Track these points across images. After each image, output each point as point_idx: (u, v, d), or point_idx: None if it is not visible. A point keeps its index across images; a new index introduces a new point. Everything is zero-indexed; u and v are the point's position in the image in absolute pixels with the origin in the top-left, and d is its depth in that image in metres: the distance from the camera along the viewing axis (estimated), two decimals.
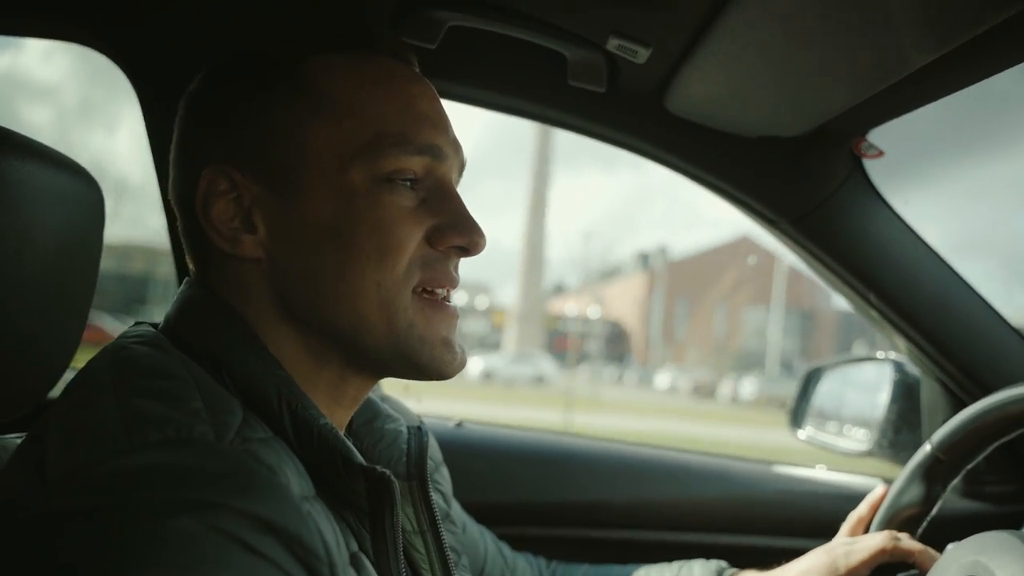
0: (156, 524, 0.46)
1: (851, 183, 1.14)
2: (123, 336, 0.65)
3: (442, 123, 0.71)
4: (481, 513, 1.09)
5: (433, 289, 0.69)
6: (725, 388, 27.09)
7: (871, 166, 1.17)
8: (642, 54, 0.95)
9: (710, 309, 41.92)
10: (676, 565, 1.09)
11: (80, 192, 0.71)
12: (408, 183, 0.67)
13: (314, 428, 0.62)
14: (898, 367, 1.37)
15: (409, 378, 0.70)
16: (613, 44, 0.95)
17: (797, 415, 1.54)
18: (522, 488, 1.34)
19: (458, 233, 0.68)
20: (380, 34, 0.71)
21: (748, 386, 26.23)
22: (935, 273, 1.18)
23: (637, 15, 0.90)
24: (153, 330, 0.67)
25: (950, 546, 0.87)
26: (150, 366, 0.60)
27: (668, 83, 1.03)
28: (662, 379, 29.43)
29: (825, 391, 1.54)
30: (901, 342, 1.24)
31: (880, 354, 1.43)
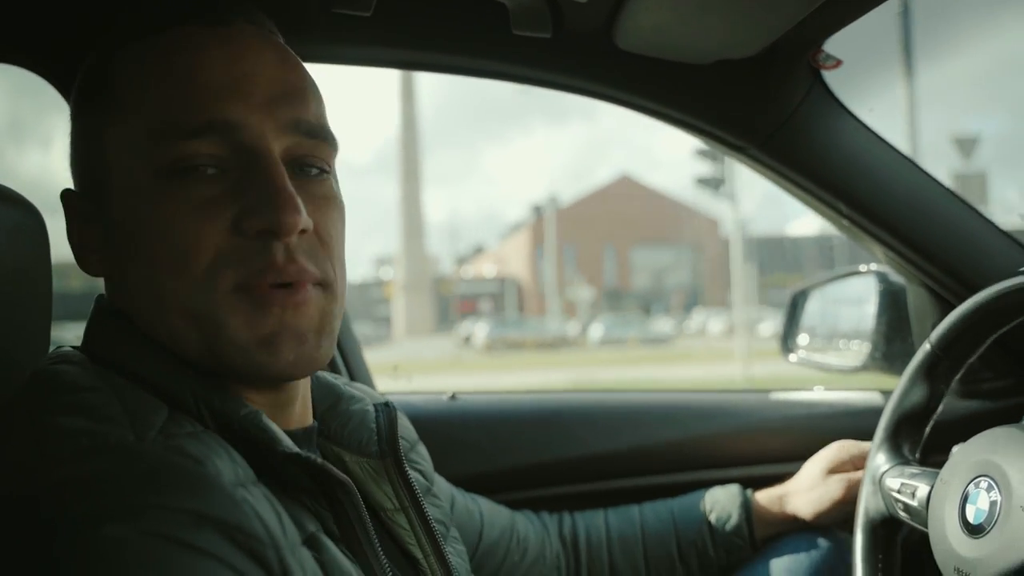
0: (81, 538, 0.44)
1: (813, 97, 1.12)
2: (42, 361, 0.63)
3: (238, 88, 0.60)
4: (486, 481, 1.08)
5: (258, 283, 0.59)
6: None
7: (832, 78, 1.14)
8: None
9: (598, 253, 41.88)
10: (698, 496, 1.13)
11: (19, 221, 0.70)
12: (209, 170, 0.59)
13: (234, 420, 0.59)
14: (882, 277, 1.36)
15: (252, 385, 0.63)
16: None
17: (787, 339, 1.53)
18: (524, 451, 1.33)
19: (258, 215, 0.58)
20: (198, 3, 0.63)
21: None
22: (908, 177, 1.16)
23: None
24: (71, 350, 0.64)
25: (956, 447, 0.87)
26: (64, 382, 0.57)
27: (615, 18, 1.00)
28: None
29: (812, 311, 1.53)
30: (881, 251, 1.23)
31: (863, 267, 1.42)
